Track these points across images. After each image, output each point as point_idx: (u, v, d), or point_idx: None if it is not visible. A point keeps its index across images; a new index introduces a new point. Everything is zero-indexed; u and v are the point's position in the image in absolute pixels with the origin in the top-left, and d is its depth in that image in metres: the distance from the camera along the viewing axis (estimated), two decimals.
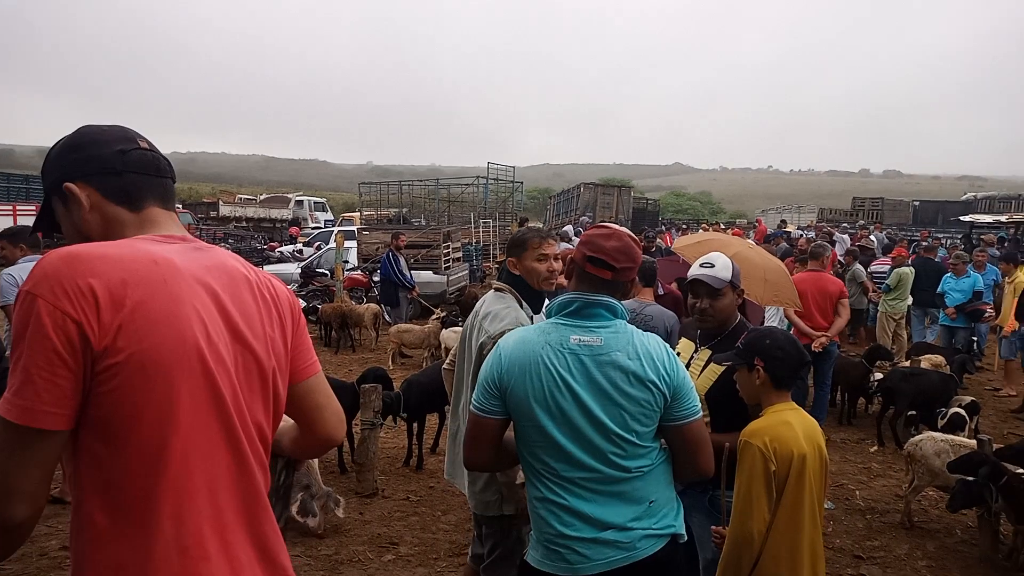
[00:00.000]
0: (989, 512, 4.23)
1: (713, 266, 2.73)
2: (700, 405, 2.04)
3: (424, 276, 12.31)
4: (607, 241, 2.03)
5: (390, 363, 9.27)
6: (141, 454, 1.13)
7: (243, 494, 1.26)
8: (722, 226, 22.81)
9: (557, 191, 34.87)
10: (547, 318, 2.08)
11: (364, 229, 16.10)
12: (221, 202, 30.26)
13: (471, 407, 2.05)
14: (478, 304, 2.94)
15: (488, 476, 2.68)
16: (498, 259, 17.23)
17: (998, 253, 9.93)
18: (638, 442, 1.92)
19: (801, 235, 15.51)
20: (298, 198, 36.66)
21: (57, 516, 4.34)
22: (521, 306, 2.84)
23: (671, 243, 14.71)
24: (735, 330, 2.76)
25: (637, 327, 2.06)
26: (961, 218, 24.82)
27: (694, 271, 2.80)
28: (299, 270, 13.82)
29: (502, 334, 2.41)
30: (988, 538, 4.37)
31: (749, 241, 6.58)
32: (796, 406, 2.36)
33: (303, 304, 10.39)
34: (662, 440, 2.02)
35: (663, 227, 22.04)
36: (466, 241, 16.78)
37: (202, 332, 1.19)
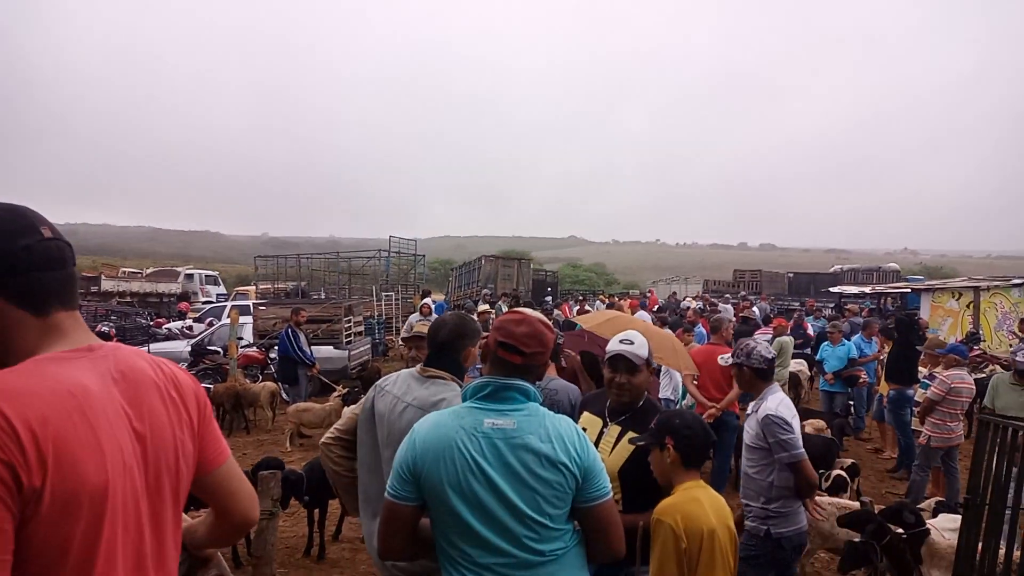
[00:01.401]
0: (875, 572, 4.49)
1: (632, 343, 2.83)
2: (611, 486, 2.10)
3: (325, 351, 11.97)
4: (517, 327, 2.10)
5: (288, 444, 8.87)
6: None
7: None
8: (616, 298, 23.61)
9: (459, 263, 35.17)
10: (462, 401, 2.10)
11: (260, 304, 15.54)
12: (103, 276, 28.31)
13: (386, 494, 2.01)
14: (423, 392, 2.65)
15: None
16: (400, 333, 17.06)
17: (860, 321, 10.74)
18: (551, 525, 1.94)
19: (689, 307, 16.36)
20: (188, 271, 35.00)
21: None
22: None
23: (569, 314, 15.12)
24: (644, 406, 2.88)
25: (542, 402, 2.12)
26: (831, 289, 26.99)
27: (615, 347, 2.88)
28: (189, 348, 13.11)
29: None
30: None
31: (628, 315, 6.90)
32: (704, 484, 2.46)
33: None
34: (575, 522, 2.06)
35: (560, 300, 22.58)
36: (368, 314, 16.53)
37: (119, 462, 1.17)
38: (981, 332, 13.57)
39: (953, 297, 14.95)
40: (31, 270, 1.21)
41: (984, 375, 11.05)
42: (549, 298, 23.47)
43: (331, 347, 12.49)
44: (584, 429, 2.88)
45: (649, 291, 32.95)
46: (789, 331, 10.52)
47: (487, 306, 13.94)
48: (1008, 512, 2.76)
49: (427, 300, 14.63)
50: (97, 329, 9.76)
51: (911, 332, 8.43)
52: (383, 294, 19.17)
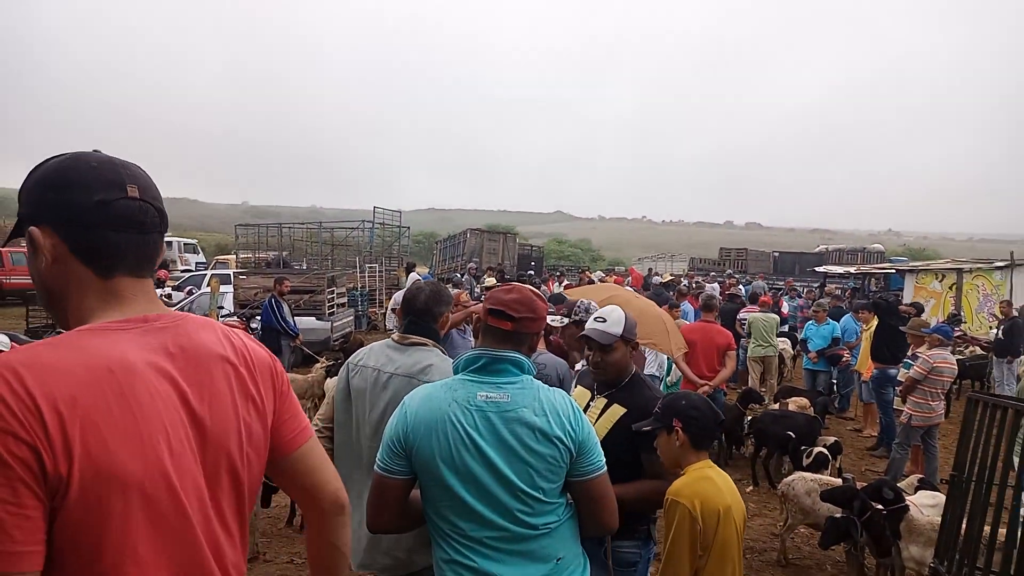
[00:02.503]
0: (855, 547, 4.54)
1: (605, 320, 2.78)
2: (604, 460, 2.06)
3: (307, 322, 11.87)
4: (507, 295, 2.08)
5: None
6: None
7: None
8: (588, 273, 23.50)
9: (443, 236, 35.02)
10: (455, 374, 2.07)
11: (241, 273, 15.36)
12: None
13: (376, 467, 1.98)
14: (403, 360, 2.62)
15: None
16: (385, 304, 16.97)
17: (826, 303, 10.69)
18: (545, 499, 1.92)
19: (661, 281, 16.31)
20: (166, 239, 34.50)
21: None
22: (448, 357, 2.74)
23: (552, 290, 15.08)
24: (631, 381, 2.83)
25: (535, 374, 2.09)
26: (816, 269, 27.17)
27: (588, 326, 2.85)
28: None
29: None
30: (855, 571, 4.67)
31: (631, 291, 6.87)
32: (713, 463, 2.43)
33: None
34: (568, 496, 2.03)
35: (547, 275, 22.51)
36: (351, 286, 16.41)
37: (165, 446, 1.07)
38: (962, 313, 13.71)
39: (936, 279, 15.08)
40: (102, 227, 1.12)
41: (965, 356, 11.20)
42: (531, 272, 23.42)
43: (313, 318, 12.41)
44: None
45: (630, 269, 32.99)
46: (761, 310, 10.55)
47: (493, 279, 13.85)
48: (996, 489, 2.77)
49: (413, 274, 14.54)
50: None
51: (891, 314, 8.48)
52: (366, 266, 19.01)
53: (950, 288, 14.49)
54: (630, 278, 22.89)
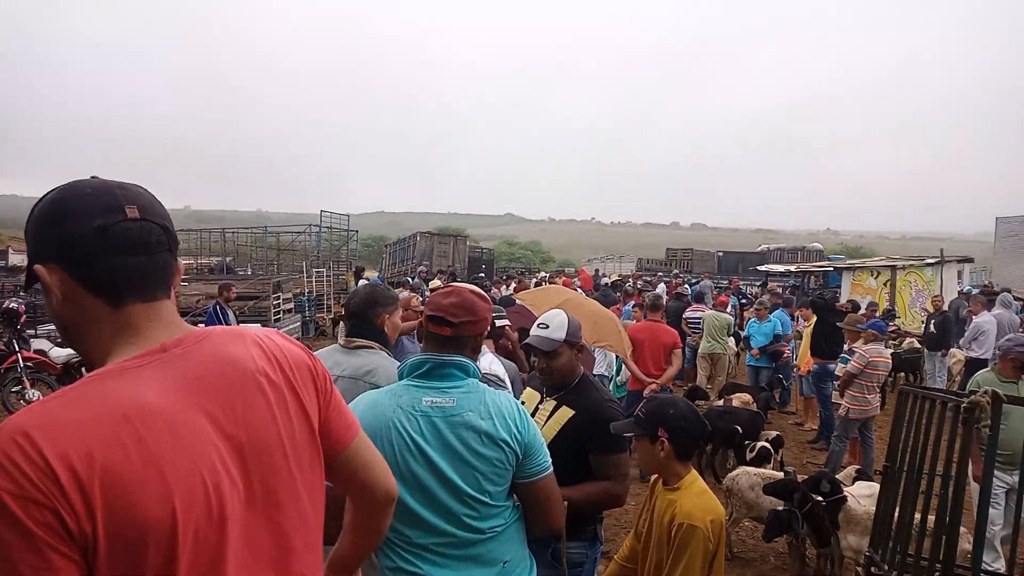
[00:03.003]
0: (797, 538, 4.68)
1: (547, 327, 2.77)
2: (550, 461, 2.08)
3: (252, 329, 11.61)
4: (445, 299, 2.06)
5: None
6: None
7: None
8: (522, 278, 23.65)
9: (393, 239, 34.73)
10: (399, 379, 2.06)
11: (182, 280, 14.90)
12: (11, 250, 26.66)
13: None
14: (349, 363, 2.67)
15: None
16: (333, 309, 16.71)
17: (768, 301, 11.01)
18: (491, 502, 1.92)
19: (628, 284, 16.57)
20: None
21: None
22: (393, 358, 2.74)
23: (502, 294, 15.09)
24: (580, 382, 2.85)
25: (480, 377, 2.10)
26: (758, 268, 27.93)
27: (532, 333, 2.85)
28: None
29: None
30: (797, 562, 4.81)
31: (581, 293, 6.93)
32: (694, 470, 2.41)
33: None
34: (514, 498, 2.03)
35: (498, 278, 22.50)
36: (298, 291, 16.11)
37: (196, 486, 1.02)
38: (896, 309, 14.27)
39: (872, 276, 15.66)
40: (105, 254, 1.07)
41: (901, 350, 11.65)
42: (482, 275, 23.41)
43: (259, 325, 12.11)
44: (523, 403, 2.87)
45: (580, 270, 33.30)
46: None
47: (439, 282, 13.77)
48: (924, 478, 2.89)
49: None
50: (5, 306, 9.10)
51: (829, 312, 8.79)
52: (314, 270, 18.69)
53: (885, 285, 15.07)
54: (578, 280, 23.07)
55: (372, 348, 2.66)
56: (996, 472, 3.29)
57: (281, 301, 13.27)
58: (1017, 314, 12.48)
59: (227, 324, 9.53)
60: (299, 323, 14.05)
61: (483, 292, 2.24)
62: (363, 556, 1.57)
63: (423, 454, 1.88)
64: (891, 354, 7.86)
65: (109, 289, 1.09)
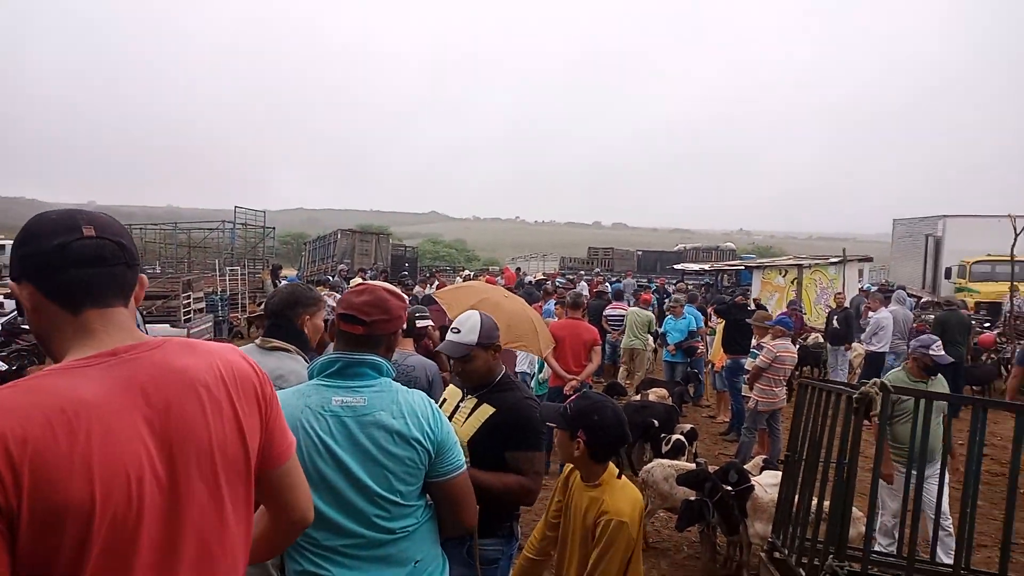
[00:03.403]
0: (708, 527, 4.84)
1: (459, 331, 2.75)
2: (464, 459, 2.07)
3: (160, 330, 11.11)
4: (358, 297, 2.02)
5: None
6: None
7: None
8: (470, 273, 23.73)
9: (313, 237, 33.91)
10: (309, 379, 2.01)
11: None
12: None
13: None
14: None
15: None
16: (249, 309, 16.16)
17: (682, 298, 11.42)
18: (403, 502, 1.90)
19: (561, 283, 16.83)
20: (0, 242, 31.10)
21: None
22: (308, 362, 2.68)
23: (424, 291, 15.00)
24: (501, 381, 2.84)
25: (398, 378, 2.07)
26: (675, 266, 28.81)
27: (447, 338, 2.83)
28: (0, 326, 11.64)
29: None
30: (708, 550, 4.98)
31: (502, 290, 6.93)
32: (612, 465, 2.43)
33: (3, 367, 8.77)
34: (427, 496, 2.01)
35: (425, 276, 22.32)
36: (210, 290, 15.50)
37: (119, 477, 1.14)
38: (802, 305, 15.00)
39: (780, 274, 16.40)
40: (65, 267, 1.22)
41: (808, 344, 12.25)
42: (406, 273, 23.19)
43: (167, 325, 11.63)
44: (444, 400, 2.85)
45: (504, 268, 33.50)
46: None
47: (359, 279, 13.52)
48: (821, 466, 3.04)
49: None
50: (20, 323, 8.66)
51: (738, 311, 9.17)
52: (228, 268, 18.01)
53: (792, 282, 15.81)
54: (501, 279, 23.18)
55: (288, 351, 2.61)
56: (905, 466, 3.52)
57: (192, 300, 12.72)
58: (911, 310, 13.37)
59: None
60: (211, 323, 13.51)
61: (397, 290, 2.20)
62: (251, 562, 1.59)
63: (332, 455, 1.84)
64: (797, 348, 8.25)
65: (68, 297, 1.23)
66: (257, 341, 2.67)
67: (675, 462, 5.51)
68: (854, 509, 3.52)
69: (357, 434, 1.86)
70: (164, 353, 1.27)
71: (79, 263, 1.23)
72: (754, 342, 8.01)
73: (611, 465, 2.40)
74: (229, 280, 17.20)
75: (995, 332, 12.88)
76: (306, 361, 2.64)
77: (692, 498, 4.71)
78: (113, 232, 1.29)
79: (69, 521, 1.08)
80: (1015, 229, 13.18)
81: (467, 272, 24.95)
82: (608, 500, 2.28)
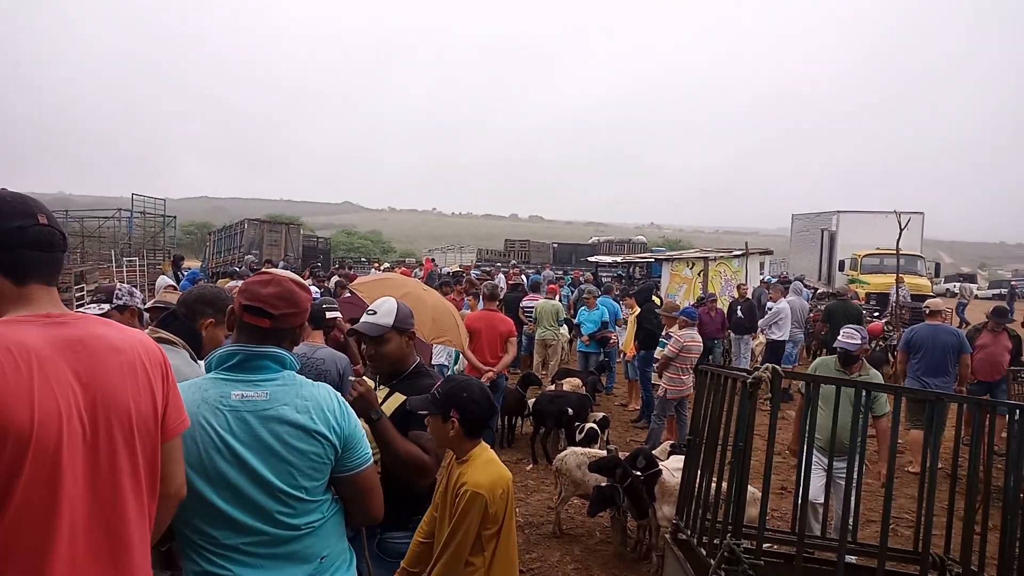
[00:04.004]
0: (619, 512, 4.98)
1: (375, 313, 2.75)
2: (372, 452, 2.04)
3: None
4: (265, 288, 1.94)
5: None
6: None
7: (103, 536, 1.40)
8: (385, 265, 23.46)
9: (218, 226, 32.55)
10: (207, 372, 1.93)
11: None
12: None
13: None
14: None
15: None
16: (147, 301, 15.35)
17: (595, 290, 11.70)
18: (307, 498, 1.86)
19: (476, 275, 16.83)
20: None
21: None
22: (196, 362, 2.57)
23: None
24: (414, 370, 2.83)
25: (309, 372, 2.01)
26: (589, 258, 29.36)
27: (362, 319, 2.80)
28: None
29: None
30: (619, 535, 5.13)
31: (421, 283, 6.84)
32: (483, 441, 2.47)
33: None
34: (332, 490, 1.97)
35: (345, 268, 21.83)
36: (105, 282, 14.64)
37: (52, 411, 1.31)
38: (716, 296, 15.60)
39: (688, 266, 16.98)
40: (20, 248, 1.41)
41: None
42: (319, 264, 22.64)
43: None
44: None
45: (425, 259, 33.27)
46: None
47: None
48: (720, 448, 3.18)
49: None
50: None
51: (652, 302, 9.46)
52: (125, 259, 17.05)
53: (698, 275, 16.41)
54: (420, 270, 23.00)
55: (174, 344, 2.50)
56: (814, 452, 3.67)
57: (85, 293, 11.97)
58: (808, 300, 14.14)
59: None
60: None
61: (303, 281, 2.14)
62: None
63: (231, 451, 1.77)
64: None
65: (18, 272, 1.42)
66: (147, 330, 2.53)
67: (588, 450, 5.63)
68: (751, 489, 3.71)
69: (258, 429, 1.80)
70: (87, 322, 1.49)
71: (32, 246, 1.43)
72: (664, 332, 8.28)
73: (482, 442, 2.46)
74: (127, 271, 16.30)
75: (883, 321, 13.80)
76: (192, 360, 2.54)
77: (603, 484, 4.84)
78: (57, 223, 1.51)
79: (10, 441, 1.25)
80: (900, 224, 14.16)
81: (386, 265, 24.59)
82: (468, 472, 2.35)
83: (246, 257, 19.90)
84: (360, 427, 2.01)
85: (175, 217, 25.91)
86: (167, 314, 2.61)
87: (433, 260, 28.41)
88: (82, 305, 11.74)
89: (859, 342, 4.71)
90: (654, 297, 10.65)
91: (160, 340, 2.42)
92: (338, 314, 4.88)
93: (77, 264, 14.37)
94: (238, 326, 1.95)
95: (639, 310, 9.61)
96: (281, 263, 17.24)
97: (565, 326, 12.10)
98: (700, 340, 7.59)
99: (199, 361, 2.56)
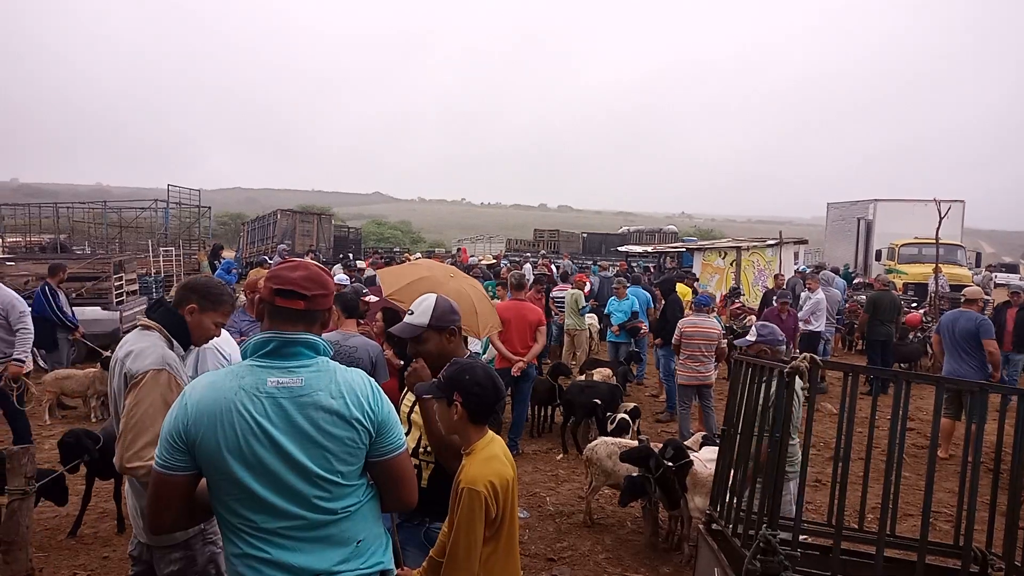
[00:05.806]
0: (650, 502, 4.96)
1: (412, 313, 2.73)
2: (405, 438, 2.06)
3: (91, 312, 10.65)
4: (293, 272, 1.96)
5: (47, 417, 7.92)
6: None
7: None
8: (416, 255, 23.61)
9: (251, 217, 33.02)
10: (243, 359, 1.95)
11: (8, 259, 13.42)
12: None
13: (154, 464, 1.84)
14: (119, 346, 2.65)
15: None
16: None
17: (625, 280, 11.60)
18: (343, 482, 1.88)
19: (505, 265, 16.90)
20: None
21: None
22: (171, 347, 2.62)
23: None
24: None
25: (341, 360, 2.03)
26: (619, 248, 29.18)
27: (400, 321, 2.81)
28: None
29: (148, 372, 2.42)
30: (651, 525, 5.11)
31: (450, 269, 6.82)
32: (492, 433, 2.41)
33: None
34: (368, 475, 1.99)
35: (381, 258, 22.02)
36: (143, 271, 14.97)
37: None
38: (741, 287, 15.43)
39: (720, 256, 16.81)
40: None
41: (742, 327, 12.60)
42: (351, 254, 22.86)
43: (99, 308, 11.14)
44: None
45: (461, 248, 33.38)
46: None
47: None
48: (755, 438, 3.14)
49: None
50: None
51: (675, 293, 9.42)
52: (161, 249, 17.41)
53: (731, 264, 16.22)
54: (449, 260, 23.13)
55: (149, 328, 2.61)
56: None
57: (124, 282, 12.24)
58: (842, 291, 13.91)
59: (57, 306, 8.73)
60: (144, 305, 13.04)
61: (325, 268, 2.18)
62: None
63: (269, 437, 1.80)
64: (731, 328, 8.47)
65: None
66: (142, 322, 2.69)
67: (619, 440, 5.62)
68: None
69: (295, 416, 1.82)
70: None
71: None
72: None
73: (490, 433, 2.38)
74: (163, 261, 16.64)
75: (921, 312, 13.50)
76: (167, 341, 2.60)
77: (634, 474, 4.82)
78: None
79: None
80: (939, 213, 13.81)
81: (417, 255, 24.76)
82: (467, 467, 2.28)
83: (279, 247, 20.20)
84: (393, 412, 2.02)
85: (210, 207, 26.39)
86: (155, 301, 2.79)
87: (464, 250, 28.50)
88: (122, 293, 12.05)
89: (752, 339, 4.47)
90: (684, 285, 10.56)
91: (145, 327, 2.61)
92: (373, 297, 4.95)
93: (118, 254, 14.68)
94: (269, 312, 1.95)
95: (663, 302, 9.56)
96: (310, 254, 17.44)
97: (595, 316, 12.06)
98: (709, 326, 7.47)
99: (178, 344, 2.65)
